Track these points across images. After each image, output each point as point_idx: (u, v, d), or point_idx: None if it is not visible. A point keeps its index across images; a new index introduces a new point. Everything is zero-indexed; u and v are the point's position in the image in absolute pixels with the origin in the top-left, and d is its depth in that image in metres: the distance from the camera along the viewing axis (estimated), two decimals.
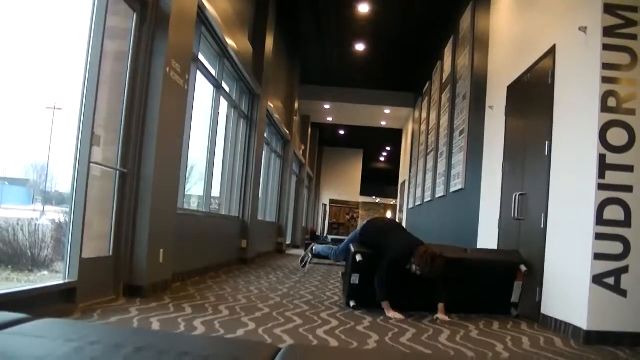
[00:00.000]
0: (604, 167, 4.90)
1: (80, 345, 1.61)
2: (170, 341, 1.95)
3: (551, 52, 6.05)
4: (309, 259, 7.17)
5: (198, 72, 8.05)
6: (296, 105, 18.20)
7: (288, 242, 19.67)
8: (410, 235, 6.36)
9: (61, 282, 4.76)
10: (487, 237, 7.89)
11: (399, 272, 5.92)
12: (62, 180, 5.96)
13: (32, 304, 4.15)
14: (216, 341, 3.11)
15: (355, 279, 6.17)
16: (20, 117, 4.87)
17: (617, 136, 4.92)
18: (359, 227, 6.65)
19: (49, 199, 5.89)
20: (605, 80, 4.97)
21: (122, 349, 1.63)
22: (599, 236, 4.86)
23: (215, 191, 10.01)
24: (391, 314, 5.74)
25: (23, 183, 5.73)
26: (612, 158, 4.90)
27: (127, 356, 1.58)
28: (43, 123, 5.23)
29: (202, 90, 8.67)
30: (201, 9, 7.36)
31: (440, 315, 5.79)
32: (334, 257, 7.44)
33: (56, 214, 5.68)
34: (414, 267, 5.79)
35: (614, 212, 4.89)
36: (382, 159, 33.33)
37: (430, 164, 14.13)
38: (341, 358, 2.24)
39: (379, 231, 6.38)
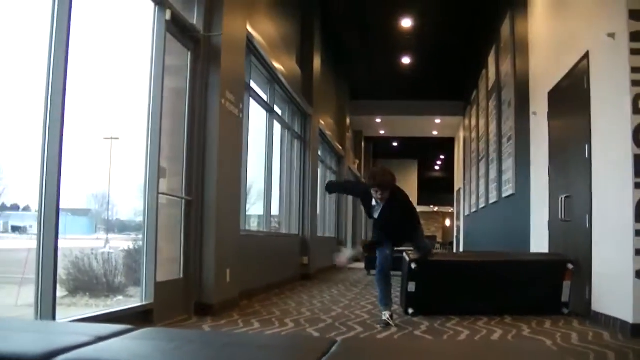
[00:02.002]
0: (639, 166, 5.11)
1: (180, 344, 2.08)
2: (248, 338, 2.40)
3: (585, 57, 6.27)
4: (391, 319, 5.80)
5: (251, 99, 8.52)
6: (348, 121, 18.57)
7: None
8: None
9: (139, 304, 5.26)
10: (539, 240, 8.08)
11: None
12: (123, 209, 6.41)
13: None
14: (285, 337, 3.57)
15: (412, 287, 6.47)
16: (80, 147, 5.19)
17: None
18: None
19: (111, 227, 6.35)
20: (635, 83, 5.17)
21: (213, 346, 2.10)
22: (639, 233, 5.06)
23: (274, 210, 10.45)
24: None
25: (85, 213, 6.20)
26: None
27: (218, 349, 2.03)
28: (101, 153, 5.68)
29: (256, 116, 9.15)
30: (249, 39, 7.80)
31: None
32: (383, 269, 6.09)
33: (122, 241, 6.14)
34: (372, 191, 5.74)
35: None
36: (437, 167, 33.43)
37: (482, 171, 14.29)
38: (389, 349, 2.63)
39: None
